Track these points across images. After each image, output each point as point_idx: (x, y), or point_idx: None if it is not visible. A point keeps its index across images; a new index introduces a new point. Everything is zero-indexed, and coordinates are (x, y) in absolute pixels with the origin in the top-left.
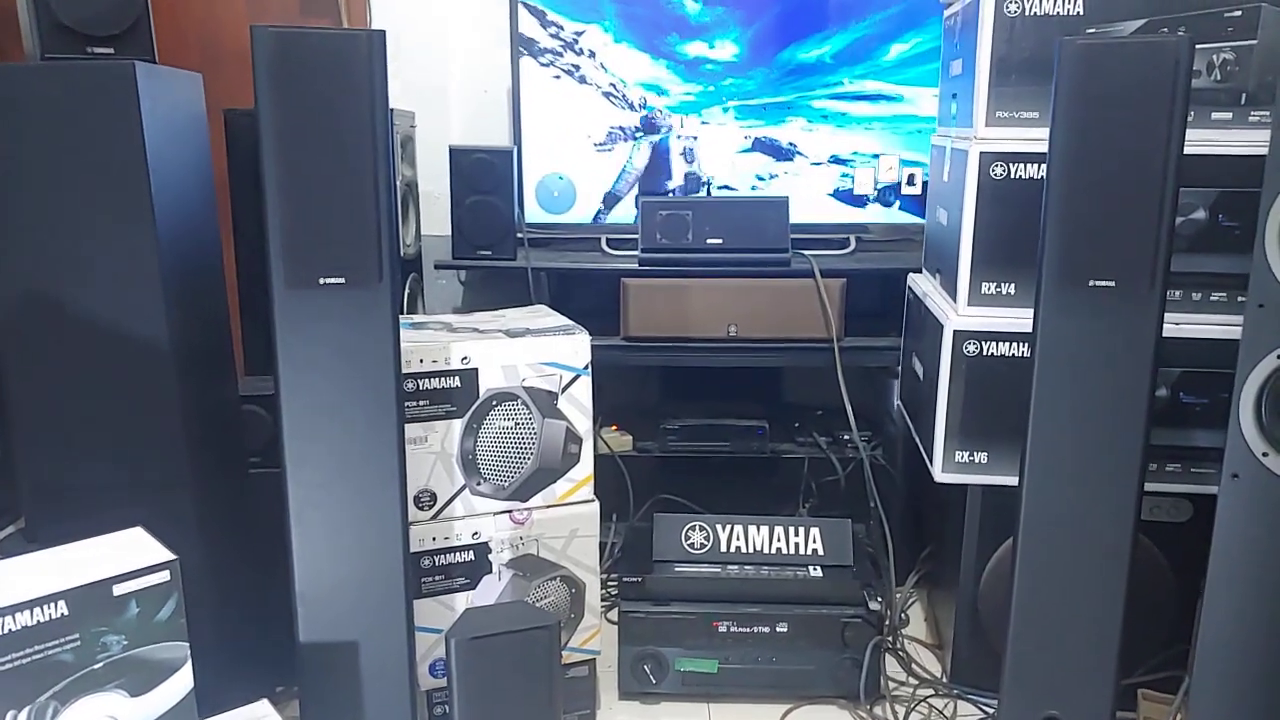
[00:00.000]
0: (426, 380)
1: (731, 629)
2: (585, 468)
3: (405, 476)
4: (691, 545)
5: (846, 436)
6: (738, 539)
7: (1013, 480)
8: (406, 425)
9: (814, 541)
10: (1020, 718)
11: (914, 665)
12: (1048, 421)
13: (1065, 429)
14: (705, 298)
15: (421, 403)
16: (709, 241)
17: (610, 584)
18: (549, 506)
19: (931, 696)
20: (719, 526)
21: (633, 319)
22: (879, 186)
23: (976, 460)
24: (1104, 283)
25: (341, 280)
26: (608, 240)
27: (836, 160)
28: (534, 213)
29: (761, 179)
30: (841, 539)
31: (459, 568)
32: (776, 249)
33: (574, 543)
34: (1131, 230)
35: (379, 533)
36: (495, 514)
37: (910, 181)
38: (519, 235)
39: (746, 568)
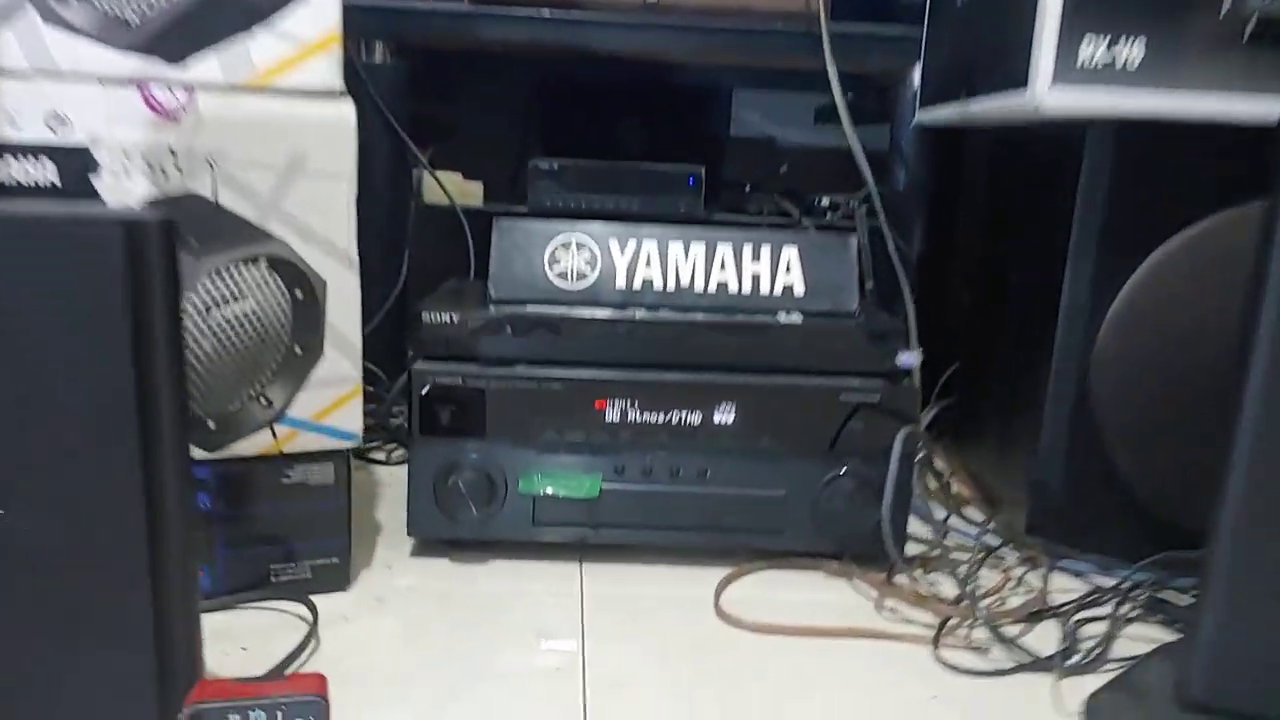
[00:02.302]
0: None
1: (630, 414)
2: (325, 14)
3: None
4: (563, 275)
5: (824, 201)
6: (648, 267)
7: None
8: None
9: (787, 270)
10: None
11: (960, 509)
12: None
13: None
14: None
15: None
16: None
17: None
18: (238, 89)
19: (997, 559)
20: (614, 245)
21: None
22: None
23: (1124, 60)
24: None
25: None
26: None
27: None
28: None
29: None
30: (840, 265)
31: (22, 193)
32: None
33: (296, 186)
34: None
35: None
36: (108, 84)
37: None
38: None
39: (662, 311)
